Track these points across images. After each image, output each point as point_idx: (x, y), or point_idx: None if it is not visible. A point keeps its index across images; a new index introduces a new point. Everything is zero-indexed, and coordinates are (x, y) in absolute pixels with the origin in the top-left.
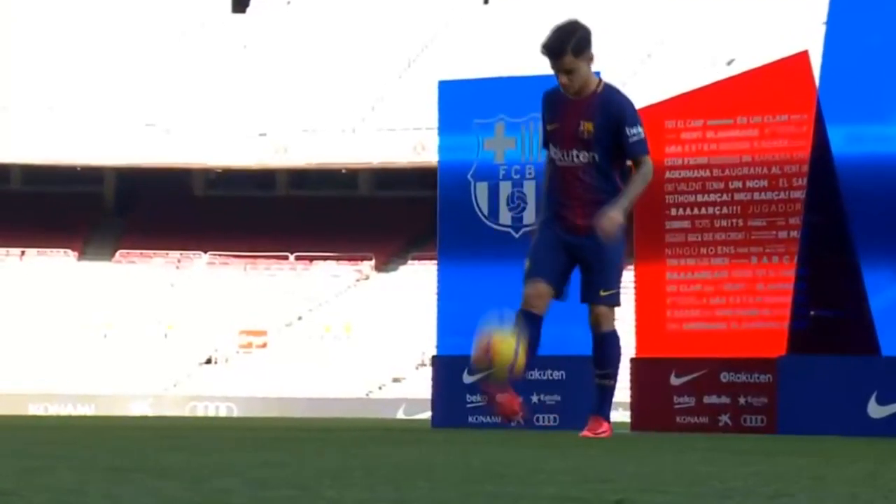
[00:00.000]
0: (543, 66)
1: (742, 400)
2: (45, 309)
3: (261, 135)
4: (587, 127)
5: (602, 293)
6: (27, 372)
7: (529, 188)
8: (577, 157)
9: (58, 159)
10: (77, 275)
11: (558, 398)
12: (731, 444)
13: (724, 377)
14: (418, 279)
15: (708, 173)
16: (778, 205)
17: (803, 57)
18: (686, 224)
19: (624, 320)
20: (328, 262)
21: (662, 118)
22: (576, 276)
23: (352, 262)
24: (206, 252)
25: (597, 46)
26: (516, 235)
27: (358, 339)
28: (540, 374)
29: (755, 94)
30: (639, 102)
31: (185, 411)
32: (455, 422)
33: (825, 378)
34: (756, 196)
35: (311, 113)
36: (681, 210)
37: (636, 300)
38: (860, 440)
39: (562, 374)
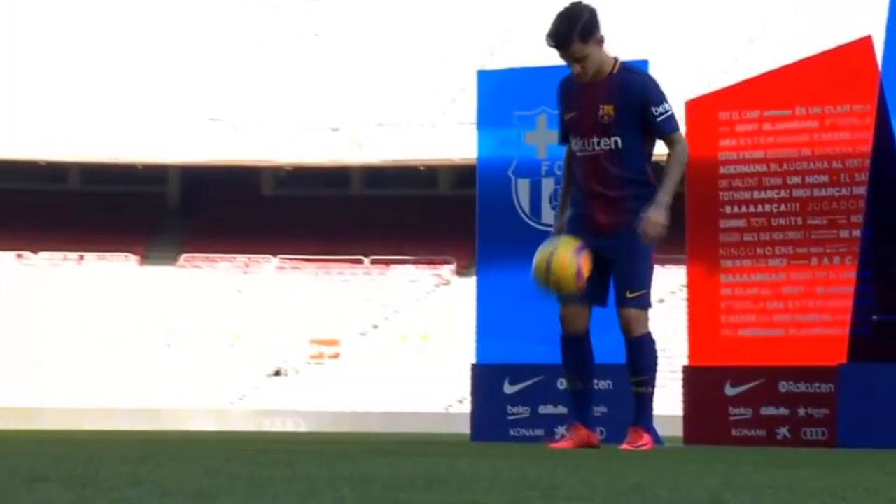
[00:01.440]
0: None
1: (801, 411)
2: (104, 317)
3: (333, 130)
4: (607, 110)
5: (628, 295)
6: (84, 385)
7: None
8: (599, 143)
9: (118, 157)
10: (138, 280)
11: (605, 410)
12: (782, 458)
13: (783, 387)
14: None
15: (764, 168)
16: (839, 201)
17: (866, 43)
18: (741, 223)
19: (676, 326)
20: (406, 266)
21: (716, 109)
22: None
23: (431, 267)
24: (275, 256)
25: (649, 32)
26: None
27: (437, 348)
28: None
29: (815, 82)
30: (690, 93)
31: (251, 426)
32: (496, 435)
33: (888, 388)
34: (816, 192)
35: (387, 106)
36: (735, 208)
37: (689, 305)
38: None
39: (608, 384)
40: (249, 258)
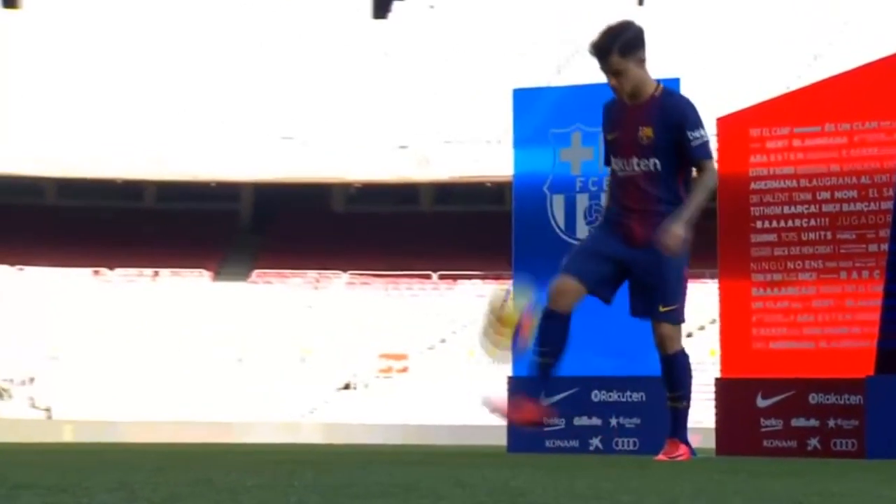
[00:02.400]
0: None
1: (831, 423)
2: (178, 332)
3: (402, 147)
4: (646, 132)
5: (661, 309)
6: (158, 398)
7: (602, 197)
8: (638, 164)
9: (192, 175)
10: (212, 296)
11: (638, 421)
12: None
13: (813, 399)
14: None
15: (795, 184)
16: (868, 216)
17: (893, 60)
18: (772, 237)
19: (708, 338)
20: (473, 281)
21: (747, 126)
22: (623, 292)
23: (498, 282)
24: (344, 271)
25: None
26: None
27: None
28: (619, 396)
29: (843, 99)
30: (722, 109)
31: (321, 439)
32: (532, 447)
33: None
34: (845, 207)
35: (454, 124)
36: (766, 223)
37: (720, 318)
38: None
39: (641, 396)
40: (320, 274)
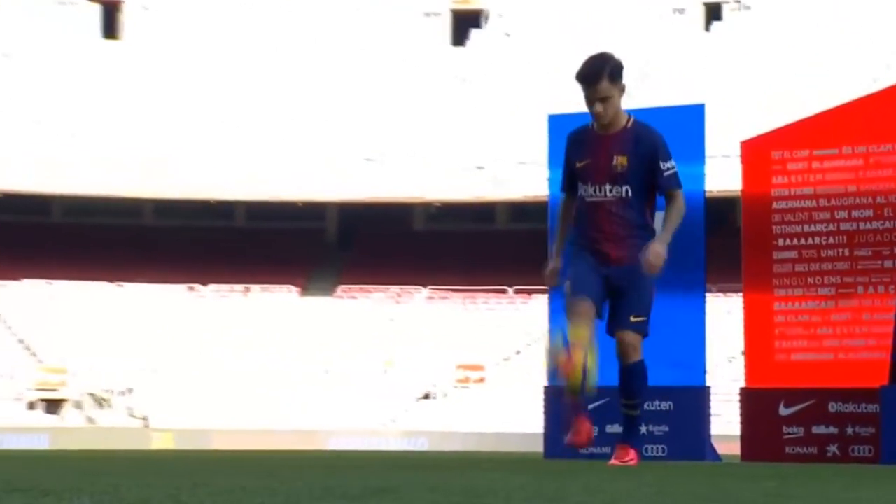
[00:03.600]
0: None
1: (850, 430)
2: (267, 344)
3: (479, 168)
4: (621, 161)
5: (632, 318)
6: (249, 407)
7: None
8: (611, 191)
9: (280, 195)
10: (299, 310)
11: (666, 429)
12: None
13: (832, 407)
14: None
15: (814, 203)
16: (883, 234)
17: None
18: (793, 254)
19: (733, 349)
20: (546, 295)
21: (769, 149)
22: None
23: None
24: (425, 286)
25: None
26: None
27: None
28: (648, 405)
29: (859, 123)
30: (745, 133)
31: (402, 446)
32: (567, 453)
33: None
34: (861, 226)
35: (528, 145)
36: (788, 241)
37: (745, 331)
38: None
39: (669, 405)
40: (401, 289)
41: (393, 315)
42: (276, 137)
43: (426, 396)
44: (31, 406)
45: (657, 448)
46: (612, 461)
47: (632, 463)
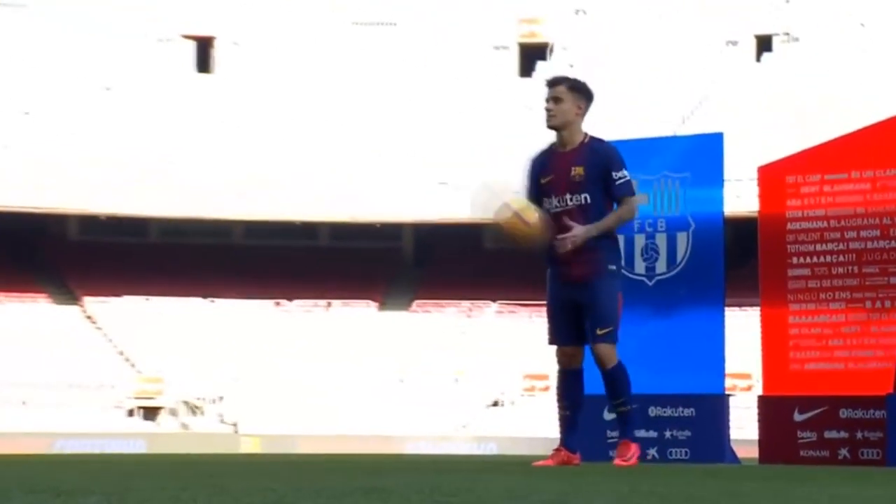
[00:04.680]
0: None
1: (859, 434)
2: (348, 355)
3: None
4: (578, 171)
5: (599, 332)
6: (331, 414)
7: (661, 240)
8: (571, 199)
9: (360, 217)
10: (377, 324)
11: (689, 433)
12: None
13: (843, 413)
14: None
15: (825, 224)
16: (890, 253)
17: None
18: (806, 272)
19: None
20: None
21: (783, 174)
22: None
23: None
24: (494, 301)
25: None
26: (650, 284)
27: None
28: (672, 412)
29: (867, 150)
30: (761, 160)
31: (472, 450)
32: (598, 456)
33: None
34: (869, 245)
35: None
36: (801, 259)
37: (762, 342)
38: None
39: (692, 412)
40: (472, 303)
41: (464, 328)
42: (356, 163)
43: (495, 404)
44: (130, 413)
45: (680, 451)
46: (617, 461)
47: (634, 456)
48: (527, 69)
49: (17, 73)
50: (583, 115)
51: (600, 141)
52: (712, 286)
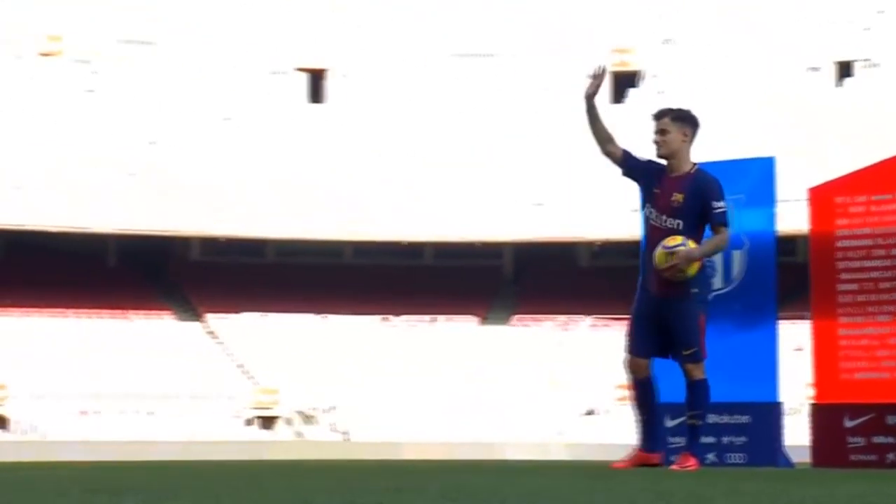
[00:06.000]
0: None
1: None
2: (452, 367)
3: (634, 210)
4: (678, 198)
5: (684, 353)
6: (435, 422)
7: (717, 258)
8: (667, 222)
9: (463, 237)
10: (479, 338)
11: (745, 439)
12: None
13: (890, 420)
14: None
15: (872, 242)
16: None
17: None
18: (855, 287)
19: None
20: None
21: (833, 195)
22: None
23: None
24: (588, 315)
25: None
26: (708, 298)
27: None
28: (729, 419)
29: None
30: (812, 181)
31: (569, 456)
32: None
33: None
34: None
35: None
36: (850, 275)
37: (814, 354)
38: None
39: (747, 419)
40: (568, 318)
41: (560, 341)
42: (458, 186)
43: (590, 412)
44: (249, 423)
45: (737, 456)
46: (674, 466)
47: (691, 468)
48: (618, 95)
49: (144, 105)
50: (690, 140)
51: (705, 173)
52: (766, 300)
